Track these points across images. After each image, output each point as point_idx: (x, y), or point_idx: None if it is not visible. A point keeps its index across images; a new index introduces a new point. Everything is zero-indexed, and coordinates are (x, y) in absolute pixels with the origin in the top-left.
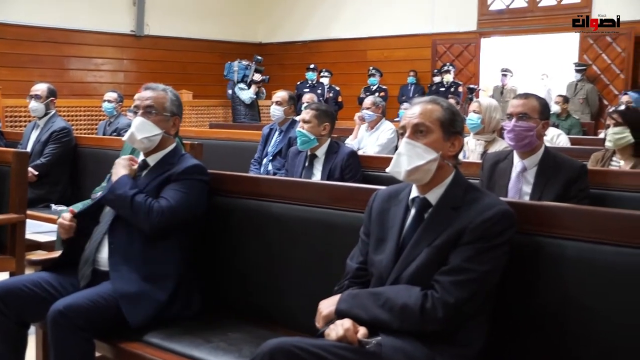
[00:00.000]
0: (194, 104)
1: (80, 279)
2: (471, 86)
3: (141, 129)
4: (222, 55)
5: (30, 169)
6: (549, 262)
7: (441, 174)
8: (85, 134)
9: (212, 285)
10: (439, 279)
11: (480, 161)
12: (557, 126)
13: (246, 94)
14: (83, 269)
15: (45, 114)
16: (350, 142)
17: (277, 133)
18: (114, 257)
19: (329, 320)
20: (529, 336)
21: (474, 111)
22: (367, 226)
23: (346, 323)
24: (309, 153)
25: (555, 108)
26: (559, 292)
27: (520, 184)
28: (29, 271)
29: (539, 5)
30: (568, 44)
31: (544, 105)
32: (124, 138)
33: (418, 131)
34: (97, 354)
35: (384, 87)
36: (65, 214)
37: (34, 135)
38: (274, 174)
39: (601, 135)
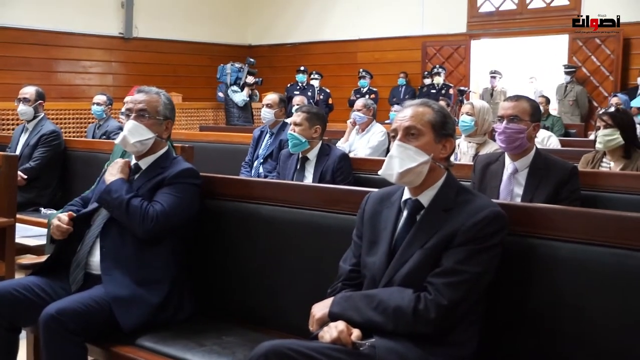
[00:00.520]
0: (184, 106)
1: (71, 282)
2: (462, 88)
3: (134, 133)
4: (212, 57)
5: (19, 172)
6: (540, 263)
7: (433, 176)
8: (74, 137)
9: (205, 289)
10: (431, 281)
11: (472, 163)
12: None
13: (239, 97)
14: (75, 272)
15: (34, 117)
16: (342, 145)
17: (267, 135)
18: (106, 261)
19: (323, 323)
20: (521, 337)
21: (467, 113)
22: (359, 228)
23: (340, 325)
24: (300, 156)
25: None
26: (551, 293)
27: (511, 186)
28: (18, 275)
29: (529, 7)
30: (557, 46)
31: (535, 107)
32: (117, 141)
33: (409, 134)
34: (90, 358)
35: (374, 89)
36: (63, 215)
37: (22, 139)
38: (265, 176)
39: (591, 137)
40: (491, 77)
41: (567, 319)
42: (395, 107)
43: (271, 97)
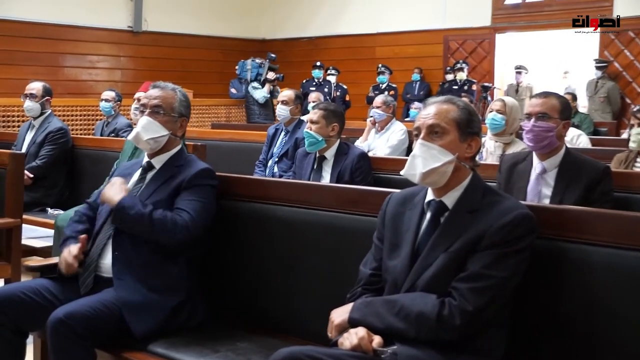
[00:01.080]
0: (195, 103)
1: (81, 285)
2: (485, 84)
3: (147, 129)
4: (224, 52)
5: (25, 171)
6: (572, 268)
7: (458, 176)
8: (81, 134)
9: (219, 293)
10: (456, 286)
11: (497, 163)
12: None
13: (260, 93)
14: (84, 275)
15: (41, 114)
16: (360, 144)
17: (283, 133)
18: (118, 265)
19: (342, 330)
20: (551, 345)
21: (498, 111)
22: (380, 231)
23: (360, 331)
24: (317, 155)
25: None
26: (583, 299)
27: (539, 187)
28: (25, 278)
29: None
30: (588, 39)
31: (565, 104)
32: (129, 137)
33: (433, 132)
34: None
35: (393, 85)
36: (73, 247)
37: (29, 136)
38: (280, 176)
39: (624, 136)
40: (516, 72)
41: (601, 327)
42: (416, 104)
43: (286, 93)
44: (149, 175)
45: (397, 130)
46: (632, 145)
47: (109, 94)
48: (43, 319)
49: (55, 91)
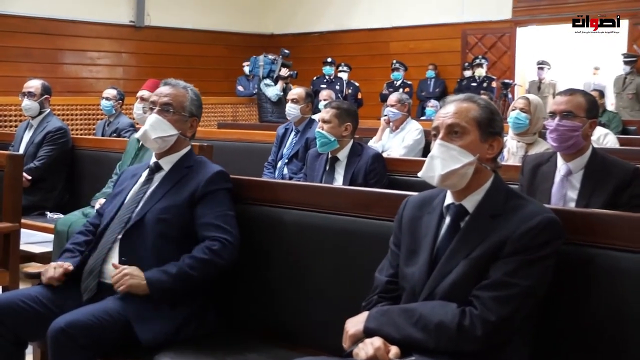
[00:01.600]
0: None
1: (83, 291)
2: (506, 81)
3: (156, 128)
4: (230, 48)
5: (23, 173)
6: (600, 275)
7: (479, 178)
8: (82, 134)
9: (228, 301)
10: (478, 295)
11: (520, 164)
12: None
13: (272, 91)
14: (87, 280)
15: (39, 113)
16: (374, 144)
17: (293, 133)
18: None
19: (357, 340)
20: (578, 356)
21: (522, 109)
22: (397, 236)
23: (376, 342)
24: (329, 156)
25: None
26: (612, 308)
27: (564, 189)
28: (23, 285)
29: None
30: (614, 32)
31: (591, 102)
32: (136, 135)
33: (452, 132)
34: None
35: (409, 82)
36: (59, 269)
37: (26, 137)
38: (290, 178)
39: None
40: (538, 68)
41: (629, 336)
42: (432, 102)
43: (296, 91)
44: (157, 176)
45: (412, 130)
46: None
47: (110, 92)
48: (43, 328)
49: (54, 89)
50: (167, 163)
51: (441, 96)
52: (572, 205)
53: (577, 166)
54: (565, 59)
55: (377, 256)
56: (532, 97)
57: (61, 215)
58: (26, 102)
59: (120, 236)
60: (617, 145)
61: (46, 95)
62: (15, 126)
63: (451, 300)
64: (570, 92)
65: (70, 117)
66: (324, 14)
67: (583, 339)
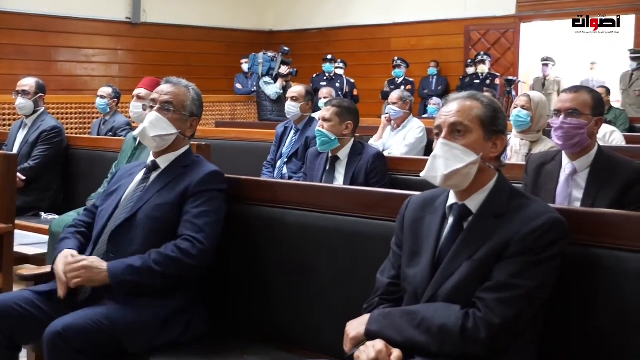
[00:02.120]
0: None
1: (79, 293)
2: (509, 78)
3: (155, 126)
4: (228, 45)
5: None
6: (607, 276)
7: (482, 178)
8: (77, 133)
9: (224, 303)
10: (482, 296)
11: (524, 163)
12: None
13: (272, 89)
14: None
15: (34, 112)
16: (375, 143)
17: (292, 132)
18: None
19: (358, 343)
20: (585, 358)
21: (523, 107)
22: (399, 237)
23: (378, 345)
24: (330, 155)
25: None
26: (619, 310)
27: (569, 189)
28: (17, 287)
29: None
30: (622, 28)
31: (597, 99)
32: (135, 133)
33: (455, 131)
34: None
35: (410, 79)
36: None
37: (20, 136)
38: (290, 177)
39: None
40: (543, 64)
41: (635, 338)
42: (434, 100)
43: (296, 89)
44: (154, 175)
45: (414, 128)
46: None
47: (105, 90)
48: (38, 332)
49: (48, 87)
50: (164, 162)
51: (444, 94)
52: (577, 204)
53: (583, 165)
54: (569, 55)
55: (379, 257)
56: (533, 94)
57: (56, 216)
58: (20, 101)
59: (110, 233)
60: (623, 143)
61: (40, 94)
62: (9, 125)
63: (454, 302)
64: (576, 89)
65: (65, 116)
66: (323, 10)
67: (589, 340)
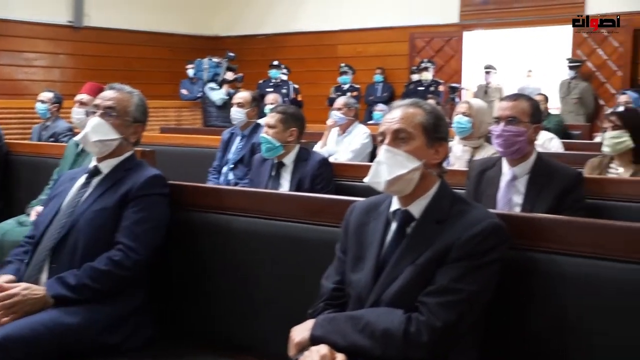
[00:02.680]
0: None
1: None
2: (453, 85)
3: (97, 131)
4: (174, 50)
5: None
6: (544, 280)
7: (425, 184)
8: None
9: (168, 310)
10: (424, 301)
11: (466, 169)
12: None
13: (217, 95)
14: None
15: None
16: (320, 150)
17: (238, 138)
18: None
19: (303, 348)
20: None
21: (464, 113)
22: (343, 242)
23: (322, 349)
24: (275, 161)
25: None
26: (556, 313)
27: (510, 194)
28: None
29: None
30: (560, 38)
31: (535, 107)
32: (77, 138)
33: (399, 137)
34: None
35: (357, 86)
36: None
37: None
38: (235, 184)
39: (597, 140)
40: (485, 72)
41: (574, 342)
42: (380, 106)
43: (242, 95)
44: (95, 180)
45: (360, 134)
46: (605, 149)
47: (45, 95)
48: None
49: None
50: (106, 167)
51: (389, 100)
52: (517, 210)
53: (522, 171)
54: (512, 63)
55: (324, 263)
56: (473, 101)
57: None
58: None
59: (52, 241)
60: (561, 150)
61: None
62: None
63: (398, 306)
64: (515, 97)
65: (5, 121)
66: (270, 16)
67: (527, 344)
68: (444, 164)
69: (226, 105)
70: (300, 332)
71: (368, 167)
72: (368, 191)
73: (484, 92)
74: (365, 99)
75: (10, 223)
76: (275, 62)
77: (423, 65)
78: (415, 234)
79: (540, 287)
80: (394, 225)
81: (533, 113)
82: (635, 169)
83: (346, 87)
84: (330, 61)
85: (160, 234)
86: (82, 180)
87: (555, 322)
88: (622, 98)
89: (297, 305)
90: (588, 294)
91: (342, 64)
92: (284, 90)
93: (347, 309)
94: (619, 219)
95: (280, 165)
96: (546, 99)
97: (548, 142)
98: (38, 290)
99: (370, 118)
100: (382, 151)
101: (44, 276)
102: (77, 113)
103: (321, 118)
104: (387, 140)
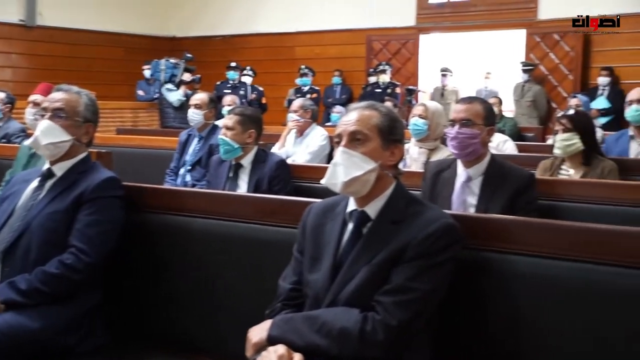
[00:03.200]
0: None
1: None
2: (410, 87)
3: (47, 134)
4: (129, 50)
5: None
6: (497, 279)
7: (381, 185)
8: None
9: (126, 313)
10: (380, 300)
11: (422, 171)
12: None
13: (174, 96)
14: None
15: None
16: (278, 151)
17: (196, 140)
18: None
19: (260, 348)
20: (478, 359)
21: (420, 116)
22: (300, 243)
23: (280, 349)
24: (233, 162)
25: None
26: (509, 311)
27: (464, 195)
28: None
29: None
30: (514, 41)
31: (489, 110)
32: (28, 142)
33: (355, 139)
34: None
35: (316, 88)
36: None
37: None
38: (193, 185)
39: (549, 142)
40: (442, 75)
41: (528, 338)
42: (337, 108)
43: (199, 96)
44: (49, 183)
45: (317, 136)
46: (556, 151)
47: None
48: None
49: None
50: (59, 169)
51: (348, 102)
52: (472, 210)
53: (477, 172)
54: (468, 66)
55: (281, 264)
56: (429, 103)
57: None
58: None
59: (5, 244)
60: (515, 152)
61: None
62: None
63: (354, 306)
64: (469, 100)
65: None
66: (228, 17)
67: (481, 341)
68: (400, 166)
69: (183, 106)
70: (258, 332)
71: (326, 169)
72: (326, 192)
73: (440, 94)
74: (323, 101)
75: None
76: (233, 64)
77: (380, 67)
78: (371, 234)
79: (494, 286)
80: (350, 226)
81: (487, 115)
82: (585, 171)
83: (306, 89)
84: (288, 63)
85: (113, 236)
86: (35, 182)
87: (508, 320)
88: (573, 101)
89: (255, 306)
90: (540, 293)
91: (302, 66)
92: (241, 92)
93: (304, 309)
94: (569, 219)
95: (238, 167)
96: (500, 101)
97: (502, 145)
98: None
99: (329, 120)
100: (339, 153)
101: None
102: (30, 114)
103: (280, 120)
104: (343, 142)
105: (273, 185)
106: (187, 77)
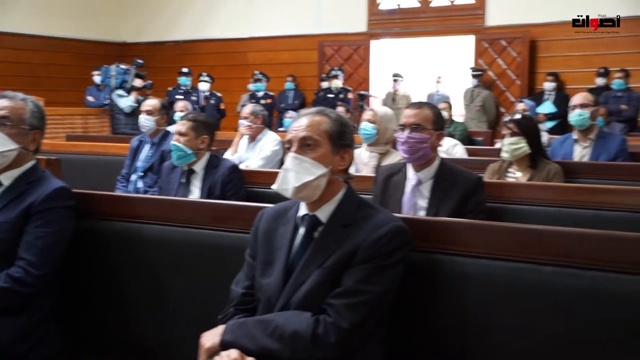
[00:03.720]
0: (47, 112)
1: None
2: (362, 92)
3: None
4: (78, 56)
5: None
6: (446, 280)
7: (331, 190)
8: None
9: (78, 320)
10: (331, 302)
11: (373, 175)
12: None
13: (125, 102)
14: None
15: None
16: (231, 157)
17: (147, 146)
18: None
19: (213, 353)
20: (429, 358)
21: (369, 120)
22: (253, 248)
23: (233, 354)
24: (185, 168)
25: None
26: (458, 312)
27: (415, 198)
28: None
29: (432, 5)
30: (463, 47)
31: (438, 115)
32: None
33: (305, 145)
34: None
35: (271, 93)
36: None
37: None
38: (145, 192)
39: (497, 145)
40: (393, 80)
41: (476, 338)
42: (290, 113)
43: (151, 102)
44: None
45: (270, 141)
46: (504, 155)
47: None
48: None
49: None
50: (7, 178)
51: (301, 107)
52: (422, 213)
53: (427, 176)
54: (418, 71)
55: (234, 269)
56: (379, 108)
57: None
58: None
59: None
60: (465, 155)
61: None
62: None
63: (306, 309)
64: (419, 105)
65: None
66: (180, 23)
67: (432, 342)
68: (352, 170)
69: (135, 112)
70: (211, 337)
71: (278, 174)
72: (279, 197)
73: (392, 99)
74: (277, 107)
75: None
76: (185, 70)
77: (332, 73)
78: (322, 238)
79: (444, 287)
80: (302, 230)
81: (436, 120)
82: (532, 174)
83: (261, 94)
84: (241, 69)
85: (63, 247)
86: None
87: (457, 319)
88: (520, 106)
89: (208, 311)
90: (488, 292)
91: (256, 72)
92: (193, 98)
93: (257, 314)
94: (517, 221)
95: (191, 173)
96: (450, 106)
97: (452, 149)
98: None
99: (282, 125)
100: (290, 158)
101: None
102: None
103: (233, 125)
104: (294, 148)
105: (226, 191)
106: (138, 83)
